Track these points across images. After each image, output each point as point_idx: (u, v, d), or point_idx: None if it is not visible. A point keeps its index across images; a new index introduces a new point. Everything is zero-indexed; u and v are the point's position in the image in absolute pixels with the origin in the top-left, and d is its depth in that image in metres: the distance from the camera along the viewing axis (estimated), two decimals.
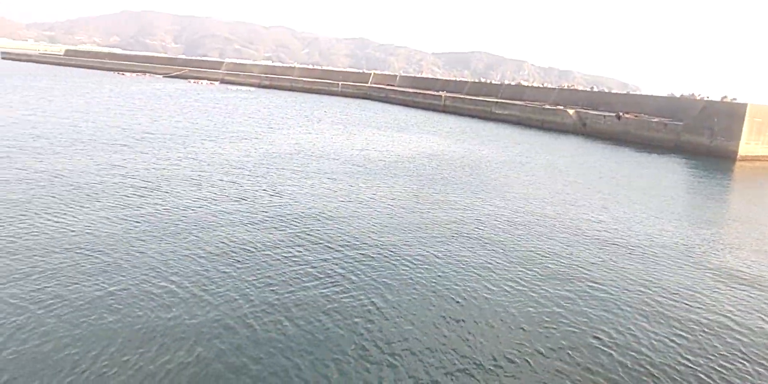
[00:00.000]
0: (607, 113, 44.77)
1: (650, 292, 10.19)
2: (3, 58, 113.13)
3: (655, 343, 8.11)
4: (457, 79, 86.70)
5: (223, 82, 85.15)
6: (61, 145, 20.10)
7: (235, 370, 6.45)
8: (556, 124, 46.97)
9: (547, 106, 50.61)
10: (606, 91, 73.02)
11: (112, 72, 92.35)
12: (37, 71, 77.46)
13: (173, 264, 9.54)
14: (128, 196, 13.76)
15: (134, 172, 16.58)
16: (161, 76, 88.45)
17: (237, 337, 7.19)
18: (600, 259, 11.91)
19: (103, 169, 16.72)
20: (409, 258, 10.92)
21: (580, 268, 11.20)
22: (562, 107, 49.37)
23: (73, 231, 10.80)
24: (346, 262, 10.38)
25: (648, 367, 7.39)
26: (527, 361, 7.25)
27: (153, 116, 32.66)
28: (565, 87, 70.09)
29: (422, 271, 10.27)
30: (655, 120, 41.04)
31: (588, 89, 68.65)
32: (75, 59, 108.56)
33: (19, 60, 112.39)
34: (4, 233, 10.31)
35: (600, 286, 10.25)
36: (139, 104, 39.82)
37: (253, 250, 10.62)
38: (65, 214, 11.88)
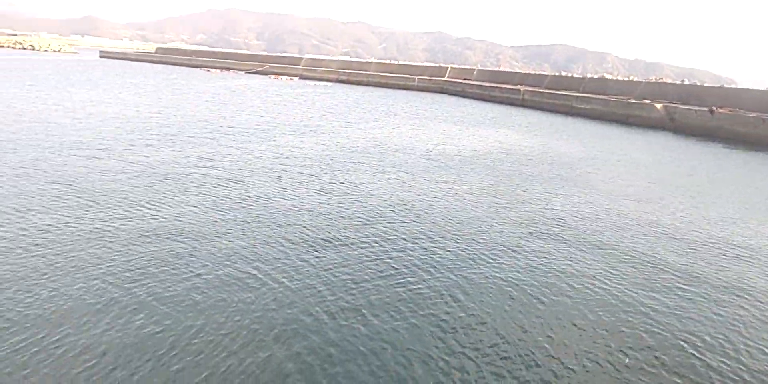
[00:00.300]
0: (698, 108, 42.27)
1: (747, 296, 9.59)
2: (101, 57, 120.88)
3: (752, 350, 7.63)
4: (537, 73, 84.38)
5: (301, 77, 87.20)
6: (153, 138, 21.28)
7: (316, 354, 6.63)
8: (642, 119, 44.85)
9: (632, 100, 48.41)
10: (697, 84, 68.96)
11: (198, 68, 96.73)
12: (132, 68, 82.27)
13: (257, 251, 9.91)
14: (215, 187, 14.40)
15: (220, 164, 17.32)
16: (243, 72, 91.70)
17: (319, 324, 7.38)
18: (691, 261, 11.31)
19: (191, 161, 17.57)
20: (487, 253, 10.80)
21: (668, 269, 10.68)
22: (648, 101, 47.09)
23: (165, 218, 11.44)
24: (423, 255, 10.41)
25: (744, 375, 6.96)
26: (611, 363, 7.02)
27: (237, 111, 33.94)
28: (653, 80, 66.72)
29: (501, 266, 10.13)
30: (753, 115, 38.30)
31: (678, 82, 64.98)
32: (165, 57, 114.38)
33: (116, 58, 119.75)
34: (105, 219, 11.07)
35: (691, 289, 9.74)
36: (223, 99, 41.49)
37: (332, 240, 10.85)
38: (158, 202, 12.59)
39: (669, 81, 68.49)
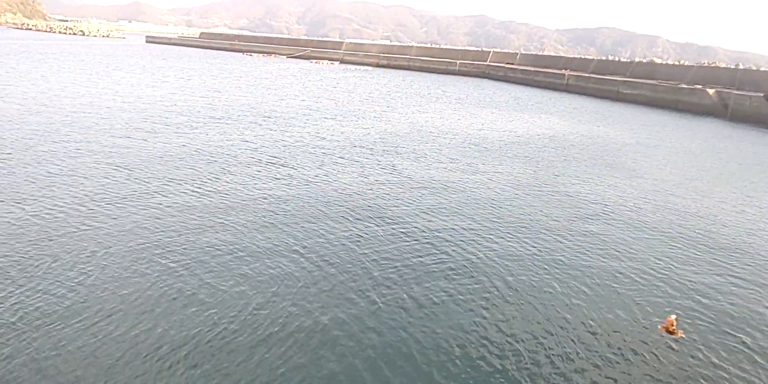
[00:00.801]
0: (753, 93, 40.55)
1: None
2: (147, 42, 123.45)
3: None
4: (582, 57, 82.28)
5: (342, 62, 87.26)
6: (199, 122, 21.72)
7: (360, 324, 6.74)
8: (693, 105, 43.31)
9: (683, 86, 46.77)
10: (753, 68, 65.96)
11: (240, 53, 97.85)
12: (177, 53, 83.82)
13: (301, 229, 10.07)
14: (258, 170, 14.65)
15: (263, 147, 17.59)
16: (285, 57, 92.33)
17: (362, 300, 7.49)
18: (741, 247, 10.97)
19: (236, 143, 17.89)
20: (531, 236, 10.72)
21: (718, 254, 10.39)
22: (700, 86, 45.41)
23: (211, 197, 11.72)
24: (467, 236, 10.40)
25: None
26: (657, 350, 6.91)
27: (279, 95, 34.28)
28: (705, 64, 64.24)
29: (544, 252, 10.04)
30: None
31: (731, 67, 62.32)
32: (208, 41, 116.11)
33: (161, 43, 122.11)
34: (153, 198, 11.42)
35: (740, 273, 9.48)
36: (266, 83, 41.94)
37: (375, 221, 10.93)
38: (204, 182, 12.90)
39: (722, 65, 65.82)
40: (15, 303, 6.95)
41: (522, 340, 6.94)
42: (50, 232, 9.28)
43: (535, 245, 10.42)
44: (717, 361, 6.82)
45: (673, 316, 6.19)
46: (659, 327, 6.20)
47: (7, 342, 6.16)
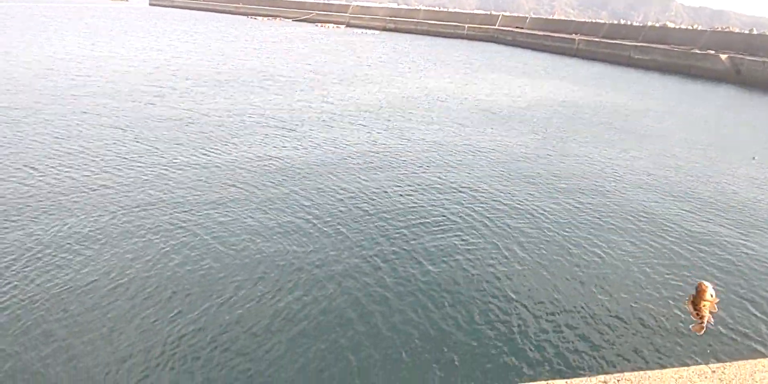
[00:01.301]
0: (767, 59, 39.72)
1: None
2: (151, 5, 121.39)
3: None
4: (593, 21, 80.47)
5: (348, 25, 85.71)
6: (205, 87, 21.56)
7: (371, 296, 6.85)
8: (705, 71, 42.52)
9: (696, 51, 45.84)
10: (767, 33, 64.37)
11: (245, 16, 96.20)
12: (181, 16, 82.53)
13: (309, 197, 10.12)
14: (266, 135, 14.61)
15: (270, 113, 17.49)
16: (290, 20, 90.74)
17: (372, 268, 7.58)
18: (748, 215, 10.96)
19: (243, 108, 17.79)
20: (539, 201, 10.73)
21: (731, 223, 10.40)
22: (712, 52, 44.48)
23: (219, 164, 11.75)
24: (474, 205, 10.42)
25: None
26: (655, 329, 7.00)
27: (286, 59, 33.85)
28: (718, 29, 62.77)
29: (550, 225, 10.06)
30: None
31: (745, 32, 60.87)
32: (213, 4, 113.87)
33: (165, 6, 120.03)
34: (160, 164, 11.45)
35: (754, 242, 9.51)
36: (271, 47, 41.36)
37: (382, 188, 10.96)
38: (212, 149, 12.90)
39: (736, 30, 64.32)
40: (24, 271, 7.07)
41: (538, 301, 7.03)
42: (58, 195, 9.35)
43: (547, 208, 10.44)
44: (740, 327, 6.91)
45: (710, 291, 3.93)
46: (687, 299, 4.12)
47: (18, 315, 6.29)
